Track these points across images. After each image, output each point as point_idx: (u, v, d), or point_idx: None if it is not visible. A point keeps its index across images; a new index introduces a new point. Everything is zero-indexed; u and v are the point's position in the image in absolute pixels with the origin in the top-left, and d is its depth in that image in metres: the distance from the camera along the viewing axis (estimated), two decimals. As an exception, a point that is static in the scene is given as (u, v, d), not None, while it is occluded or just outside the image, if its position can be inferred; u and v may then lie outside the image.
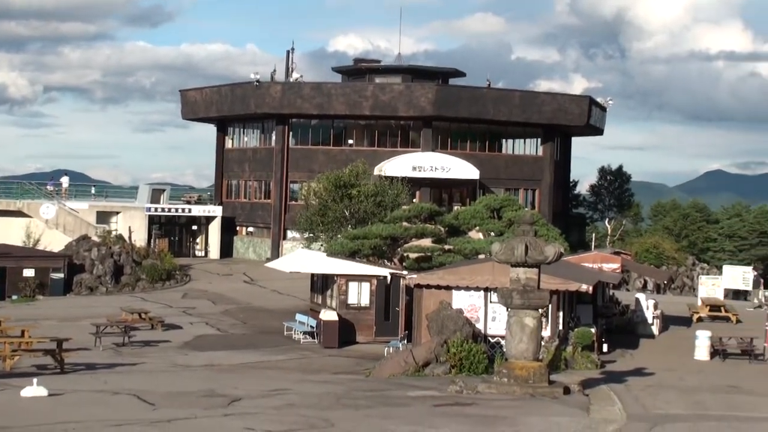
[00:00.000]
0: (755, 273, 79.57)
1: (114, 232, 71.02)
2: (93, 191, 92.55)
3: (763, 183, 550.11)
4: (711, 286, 69.84)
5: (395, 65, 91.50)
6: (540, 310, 27.99)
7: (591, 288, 41.51)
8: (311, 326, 43.09)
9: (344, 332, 41.92)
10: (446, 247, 51.30)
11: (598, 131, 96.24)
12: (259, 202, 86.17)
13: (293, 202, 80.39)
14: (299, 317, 44.83)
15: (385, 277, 43.96)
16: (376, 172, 67.92)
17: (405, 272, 44.57)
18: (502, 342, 37.12)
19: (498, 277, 37.70)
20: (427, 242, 51.58)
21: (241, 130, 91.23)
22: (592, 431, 19.41)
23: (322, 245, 53.45)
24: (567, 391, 27.55)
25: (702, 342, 41.43)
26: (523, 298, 27.16)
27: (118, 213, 78.46)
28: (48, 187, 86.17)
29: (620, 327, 47.91)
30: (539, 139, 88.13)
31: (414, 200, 65.64)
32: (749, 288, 75.62)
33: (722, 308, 56.96)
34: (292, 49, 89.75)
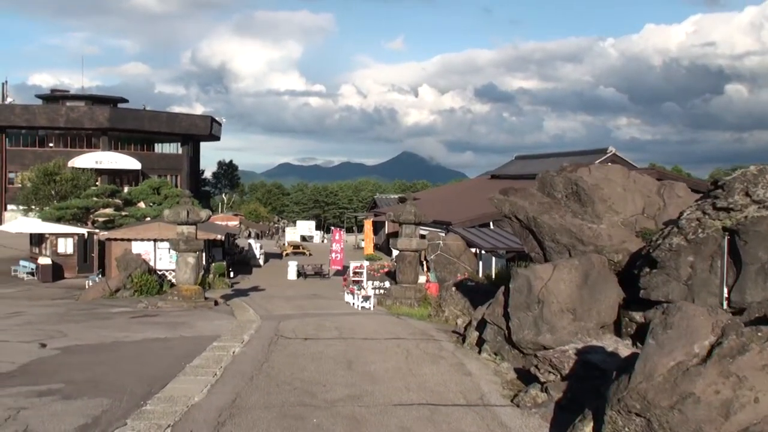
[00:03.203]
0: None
1: None
2: None
3: (312, 171, 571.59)
4: (292, 233, 71.15)
5: (80, 93, 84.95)
6: (197, 252, 27.03)
7: (222, 237, 40.77)
8: (32, 268, 39.12)
9: (56, 272, 38.46)
10: (123, 213, 48.49)
11: (216, 138, 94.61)
12: (-15, 187, 77.18)
13: (11, 185, 73.07)
14: (22, 262, 40.46)
15: (83, 234, 40.74)
16: (70, 164, 62.68)
17: (97, 230, 41.61)
18: (166, 273, 35.86)
19: (163, 232, 36.41)
20: (110, 210, 48.55)
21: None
22: (243, 328, 18.78)
23: (36, 214, 48.49)
24: (216, 303, 27.00)
25: (292, 268, 42.10)
26: (187, 245, 26.25)
27: None
28: None
29: (240, 261, 47.38)
30: (179, 143, 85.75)
31: (97, 183, 61.40)
32: (313, 233, 77.86)
33: (300, 247, 58.07)
34: (6, 81, 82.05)
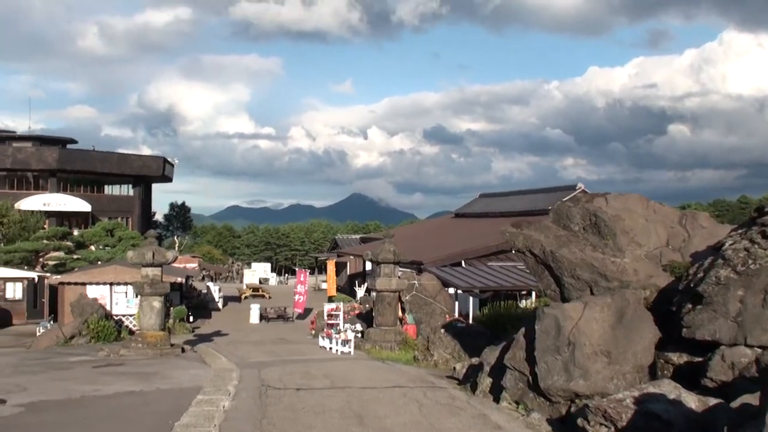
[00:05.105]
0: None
1: None
2: None
3: (262, 213, 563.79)
4: (251, 276, 69.08)
5: (28, 134, 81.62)
6: (163, 295, 25.11)
7: (183, 279, 38.90)
8: (-23, 316, 36.48)
9: (3, 318, 35.90)
10: (75, 256, 45.95)
11: (169, 179, 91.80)
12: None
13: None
14: (-33, 310, 37.76)
15: (33, 278, 38.23)
16: (17, 207, 59.57)
17: (48, 274, 39.11)
18: (123, 318, 33.86)
19: (119, 275, 34.68)
20: (61, 254, 45.92)
21: None
22: (223, 378, 16.95)
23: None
24: (183, 350, 25.08)
25: (254, 311, 40.44)
26: (152, 288, 24.39)
27: None
28: None
29: (198, 304, 45.12)
30: (131, 185, 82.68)
31: (45, 226, 58.37)
32: (269, 276, 75.87)
33: (259, 289, 56.04)
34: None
